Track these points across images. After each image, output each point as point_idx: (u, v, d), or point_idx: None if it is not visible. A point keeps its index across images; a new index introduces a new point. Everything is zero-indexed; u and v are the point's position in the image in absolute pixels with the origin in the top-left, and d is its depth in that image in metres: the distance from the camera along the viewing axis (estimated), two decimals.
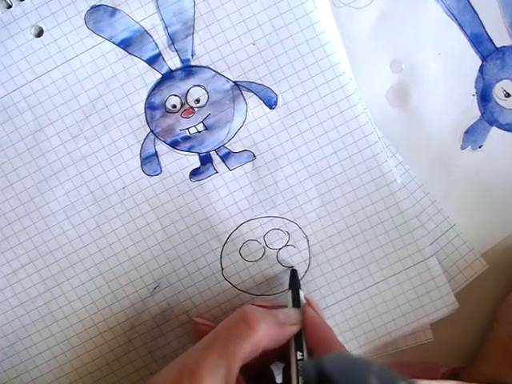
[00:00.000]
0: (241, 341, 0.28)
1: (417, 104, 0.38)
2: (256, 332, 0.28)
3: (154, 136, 0.35)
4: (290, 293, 0.34)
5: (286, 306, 0.34)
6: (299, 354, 0.30)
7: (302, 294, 0.34)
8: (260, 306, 0.32)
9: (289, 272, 0.36)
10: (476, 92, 0.38)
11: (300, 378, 0.29)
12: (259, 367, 0.31)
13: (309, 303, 0.33)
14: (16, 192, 0.35)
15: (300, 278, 0.37)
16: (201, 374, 0.26)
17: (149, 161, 0.36)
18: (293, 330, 0.31)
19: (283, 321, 0.30)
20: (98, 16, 0.34)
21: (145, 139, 0.35)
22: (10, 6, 0.34)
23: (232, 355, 0.27)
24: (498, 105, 0.38)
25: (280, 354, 0.31)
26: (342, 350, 0.30)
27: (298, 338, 0.31)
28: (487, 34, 0.37)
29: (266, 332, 0.29)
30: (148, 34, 0.34)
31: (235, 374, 0.27)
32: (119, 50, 0.35)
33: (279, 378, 0.34)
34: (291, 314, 0.32)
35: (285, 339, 0.30)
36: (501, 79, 0.37)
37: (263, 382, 0.33)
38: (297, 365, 0.30)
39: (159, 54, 0.35)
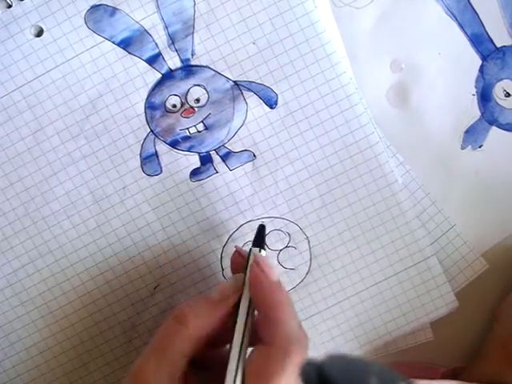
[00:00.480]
0: (174, 339, 0.28)
1: (417, 104, 0.38)
2: (187, 325, 0.28)
3: (154, 136, 0.35)
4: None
5: None
6: (240, 319, 0.29)
7: (263, 253, 0.32)
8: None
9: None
10: (476, 92, 0.38)
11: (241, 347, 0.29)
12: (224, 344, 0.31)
13: (256, 262, 0.31)
14: (16, 192, 0.35)
15: (301, 279, 0.37)
16: (144, 378, 0.28)
17: (149, 161, 0.36)
18: (229, 302, 0.30)
19: (217, 298, 0.30)
20: (97, 16, 0.34)
21: (145, 139, 0.35)
22: (10, 6, 0.34)
23: (170, 355, 0.28)
24: (498, 104, 0.38)
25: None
26: (284, 300, 0.30)
27: (240, 303, 0.30)
28: (487, 33, 0.37)
29: (198, 321, 0.29)
30: (148, 33, 0.34)
31: (178, 371, 0.28)
32: (119, 49, 0.35)
33: None
34: (226, 287, 0.31)
35: (223, 315, 0.30)
36: (501, 79, 0.37)
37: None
38: (235, 333, 0.29)
39: (159, 54, 0.35)
